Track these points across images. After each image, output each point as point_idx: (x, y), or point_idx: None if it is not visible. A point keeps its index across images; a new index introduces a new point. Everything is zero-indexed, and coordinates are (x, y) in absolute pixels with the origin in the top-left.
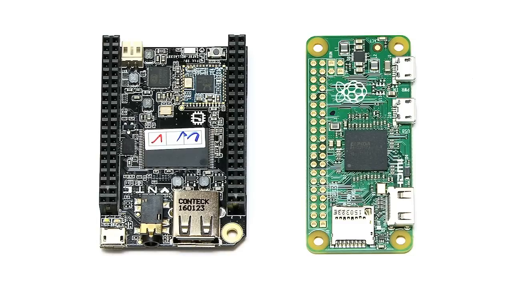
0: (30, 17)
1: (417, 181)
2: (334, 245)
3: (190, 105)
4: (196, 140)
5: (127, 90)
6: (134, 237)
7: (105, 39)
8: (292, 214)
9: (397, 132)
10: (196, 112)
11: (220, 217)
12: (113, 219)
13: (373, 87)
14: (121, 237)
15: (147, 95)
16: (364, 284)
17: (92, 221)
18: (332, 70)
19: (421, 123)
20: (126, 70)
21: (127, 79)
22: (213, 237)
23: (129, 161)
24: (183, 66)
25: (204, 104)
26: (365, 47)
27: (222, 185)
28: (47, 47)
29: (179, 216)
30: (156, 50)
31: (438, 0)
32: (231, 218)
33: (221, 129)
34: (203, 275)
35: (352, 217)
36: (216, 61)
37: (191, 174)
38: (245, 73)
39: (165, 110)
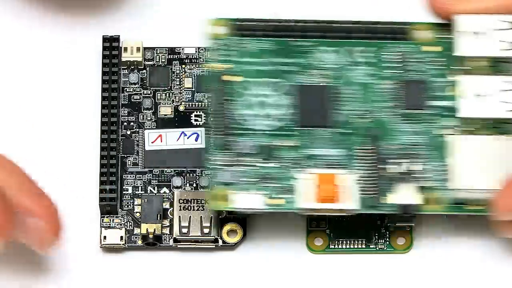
0: (30, 17)
1: None
2: (334, 245)
3: (190, 105)
4: (196, 140)
5: (127, 90)
6: (134, 237)
7: (105, 39)
8: (291, 213)
9: None
10: (196, 112)
11: (220, 217)
12: (113, 219)
13: None
14: (121, 237)
15: (147, 95)
16: (364, 284)
17: (92, 221)
18: None
19: None
20: (126, 70)
21: (127, 79)
22: (213, 237)
23: (129, 161)
24: (183, 66)
25: (204, 104)
26: None
27: None
28: (47, 47)
29: (179, 216)
30: (156, 50)
31: None
32: (231, 218)
33: None
34: (203, 275)
35: (352, 217)
36: None
37: (191, 174)
38: None
39: (165, 110)
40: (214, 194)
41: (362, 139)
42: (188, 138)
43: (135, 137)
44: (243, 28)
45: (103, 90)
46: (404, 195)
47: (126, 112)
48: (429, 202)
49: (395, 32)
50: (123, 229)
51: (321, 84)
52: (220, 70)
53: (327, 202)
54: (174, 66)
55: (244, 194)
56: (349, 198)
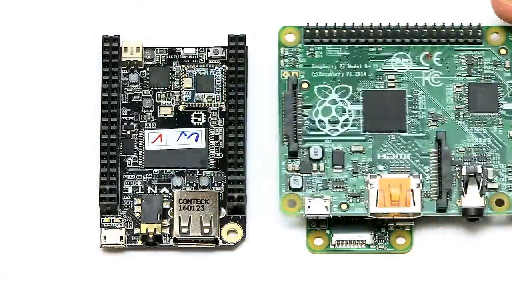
0: (30, 17)
1: None
2: (334, 245)
3: (190, 105)
4: (196, 140)
5: (127, 90)
6: (134, 237)
7: (105, 39)
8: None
9: None
10: (196, 112)
11: (220, 217)
12: (113, 219)
13: None
14: (121, 237)
15: (147, 95)
16: (364, 284)
17: (92, 221)
18: None
19: None
20: (126, 70)
21: (127, 79)
22: (213, 237)
23: (129, 161)
24: (183, 66)
25: (204, 104)
26: None
27: (222, 185)
28: (47, 47)
29: (179, 216)
30: (156, 50)
31: None
32: (231, 218)
33: (221, 129)
34: (203, 275)
35: (352, 217)
36: (216, 61)
37: (191, 174)
38: (245, 73)
39: (165, 110)
40: (284, 200)
41: (431, 142)
42: (188, 138)
43: (135, 137)
44: (314, 36)
45: (103, 90)
46: (472, 197)
47: (126, 112)
48: (496, 203)
49: (467, 36)
50: (123, 229)
51: (391, 89)
52: (291, 78)
53: (397, 206)
54: (174, 66)
55: (314, 199)
56: (417, 202)
